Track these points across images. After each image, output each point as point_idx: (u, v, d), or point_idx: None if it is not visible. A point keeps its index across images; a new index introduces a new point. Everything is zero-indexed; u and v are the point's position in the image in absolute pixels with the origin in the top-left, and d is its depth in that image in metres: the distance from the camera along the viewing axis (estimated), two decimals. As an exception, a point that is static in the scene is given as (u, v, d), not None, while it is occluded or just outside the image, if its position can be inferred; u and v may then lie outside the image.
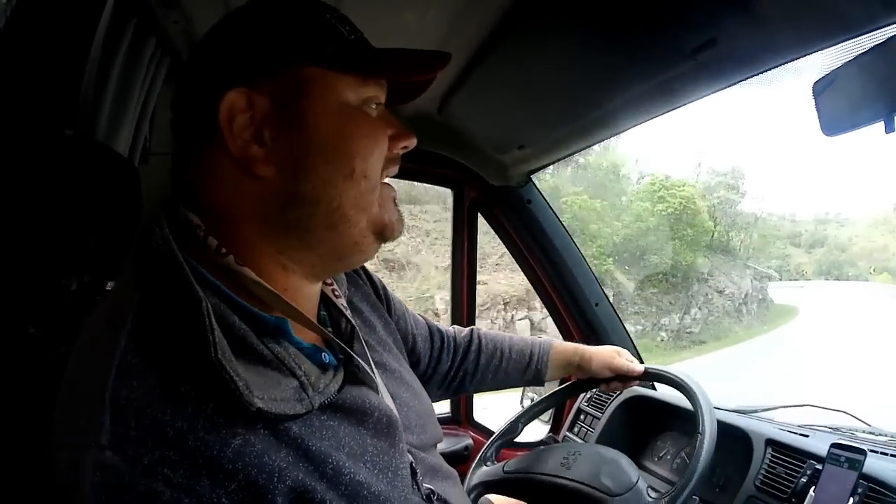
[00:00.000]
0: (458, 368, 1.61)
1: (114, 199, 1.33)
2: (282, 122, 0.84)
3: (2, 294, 1.10)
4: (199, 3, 1.55)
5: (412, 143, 0.99)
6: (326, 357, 0.92)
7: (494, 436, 1.79)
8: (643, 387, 2.31)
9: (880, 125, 1.00)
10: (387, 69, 0.94)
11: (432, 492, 1.05)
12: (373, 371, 1.00)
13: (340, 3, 1.45)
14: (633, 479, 1.48)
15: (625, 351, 1.76)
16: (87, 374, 0.74)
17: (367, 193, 0.90)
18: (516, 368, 1.68)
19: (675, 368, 1.67)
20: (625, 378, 1.71)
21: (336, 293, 1.08)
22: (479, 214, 2.74)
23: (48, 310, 1.22)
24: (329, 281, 1.08)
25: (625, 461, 1.56)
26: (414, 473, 1.00)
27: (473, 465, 1.73)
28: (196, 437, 0.69)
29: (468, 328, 1.69)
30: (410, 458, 1.01)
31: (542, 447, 1.65)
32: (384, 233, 0.94)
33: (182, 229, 0.83)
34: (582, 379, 1.76)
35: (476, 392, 1.80)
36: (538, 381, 1.73)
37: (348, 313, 1.07)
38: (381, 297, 1.33)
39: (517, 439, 1.85)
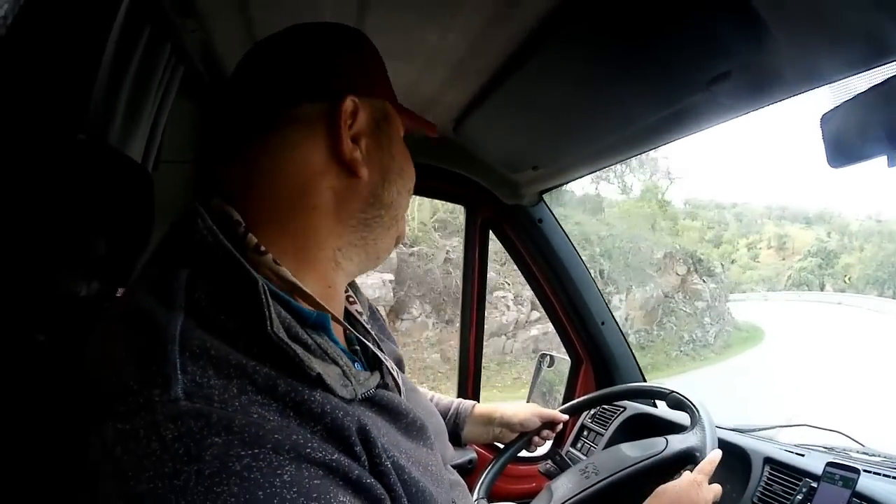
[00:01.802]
0: None
1: (126, 205, 1.34)
2: (375, 136, 0.96)
3: (9, 300, 1.07)
4: (215, 13, 1.56)
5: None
6: (357, 364, 0.97)
7: (500, 452, 1.83)
8: (645, 404, 2.34)
9: (884, 159, 1.04)
10: (413, 123, 1.09)
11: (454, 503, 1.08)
12: (397, 382, 1.03)
13: (363, 24, 1.49)
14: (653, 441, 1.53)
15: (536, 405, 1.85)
16: (135, 336, 0.73)
17: (407, 207, 1.06)
18: None
19: (669, 388, 1.72)
20: (552, 424, 1.79)
21: (359, 311, 1.14)
22: (490, 232, 2.77)
23: (56, 316, 1.20)
24: (353, 299, 1.15)
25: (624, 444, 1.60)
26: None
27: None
28: (285, 382, 0.72)
29: None
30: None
31: (544, 487, 1.65)
32: (399, 240, 1.07)
33: (219, 225, 0.84)
34: (514, 438, 1.80)
35: None
36: (456, 436, 1.73)
37: (369, 326, 1.12)
38: (388, 330, 1.39)
39: (521, 454, 1.88)
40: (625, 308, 24.00)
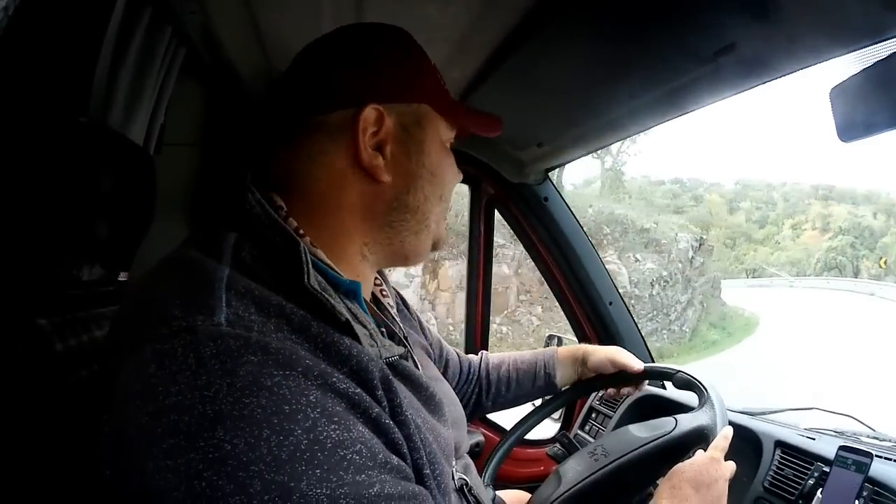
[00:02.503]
0: (474, 385, 1.74)
1: (128, 188, 1.33)
2: (402, 143, 0.99)
3: (10, 284, 1.09)
4: None
5: (461, 176, 1.17)
6: (384, 333, 1.06)
7: (507, 435, 1.80)
8: (654, 386, 2.31)
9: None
10: (469, 124, 1.13)
11: (466, 483, 1.14)
12: (417, 363, 1.13)
13: (363, 0, 1.48)
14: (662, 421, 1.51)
15: (624, 350, 1.78)
16: (182, 278, 0.79)
17: (442, 213, 1.10)
18: (527, 377, 1.77)
19: (677, 366, 1.69)
20: (626, 377, 1.73)
21: (384, 293, 1.25)
22: (495, 210, 2.76)
23: (58, 300, 1.22)
24: (378, 282, 1.23)
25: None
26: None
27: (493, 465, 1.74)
28: (318, 325, 0.78)
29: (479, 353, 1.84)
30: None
31: (552, 471, 1.62)
32: (437, 245, 1.11)
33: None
34: (588, 377, 1.78)
35: (493, 410, 1.83)
36: (550, 385, 1.76)
37: (393, 311, 1.23)
38: (419, 322, 1.48)
39: (528, 436, 1.87)
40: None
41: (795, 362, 19.10)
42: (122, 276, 1.55)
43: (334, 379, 0.73)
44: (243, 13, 1.62)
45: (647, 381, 1.77)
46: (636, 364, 1.71)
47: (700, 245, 26.70)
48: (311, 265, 0.84)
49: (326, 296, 0.82)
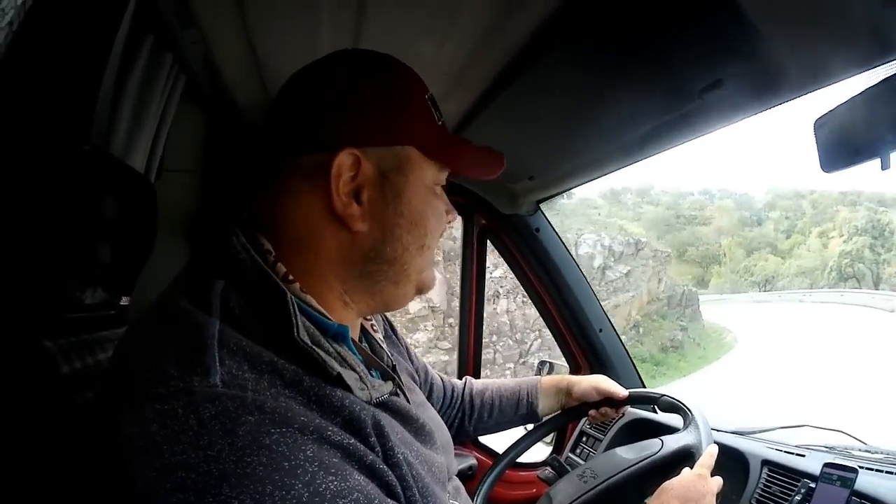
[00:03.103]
0: (457, 409, 1.74)
1: (130, 214, 1.35)
2: (380, 189, 0.95)
3: (17, 307, 1.10)
4: (216, 24, 1.57)
5: (456, 217, 1.15)
6: (374, 373, 1.04)
7: (499, 458, 1.82)
8: (644, 410, 2.35)
9: (876, 162, 1.05)
10: (464, 167, 1.06)
11: None
12: (407, 396, 1.09)
13: (359, 34, 1.51)
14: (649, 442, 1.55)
15: (608, 378, 1.82)
16: (175, 333, 0.79)
17: (426, 261, 1.04)
18: (509, 404, 1.77)
19: (661, 391, 1.74)
20: (611, 402, 1.76)
21: (374, 328, 1.23)
22: (488, 241, 2.80)
23: (63, 323, 1.24)
24: (368, 317, 1.20)
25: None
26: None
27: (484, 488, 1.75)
28: (310, 379, 0.81)
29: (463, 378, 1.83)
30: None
31: (544, 493, 1.65)
32: (423, 289, 1.06)
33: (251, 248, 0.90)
34: (572, 406, 1.80)
35: (476, 435, 1.84)
36: (532, 413, 1.78)
37: (384, 345, 1.21)
38: (406, 348, 1.47)
39: (520, 459, 1.89)
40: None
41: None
42: (124, 301, 1.56)
43: (329, 432, 0.76)
44: (243, 44, 1.65)
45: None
46: (620, 391, 1.75)
47: (637, 251, 25.80)
48: (298, 316, 0.84)
49: (317, 350, 0.83)
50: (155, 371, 0.74)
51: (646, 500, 1.35)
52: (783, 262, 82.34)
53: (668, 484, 1.31)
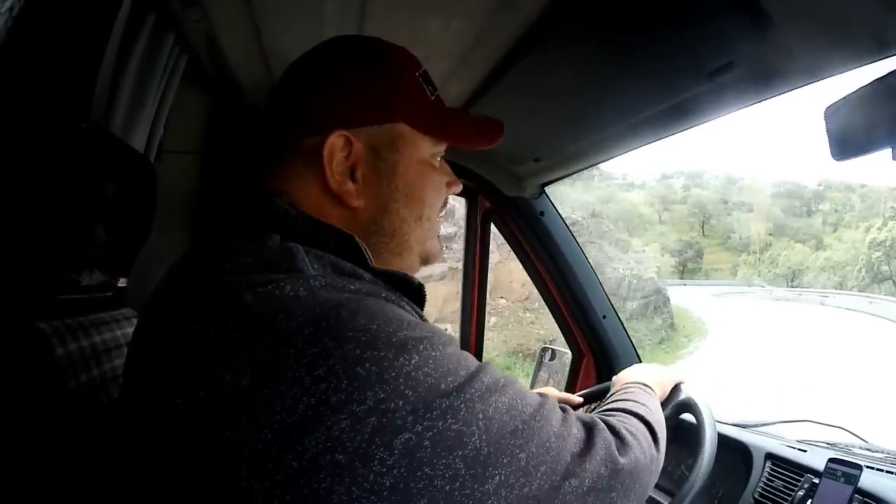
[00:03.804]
0: None
1: (128, 194, 1.34)
2: (373, 167, 0.97)
3: (11, 288, 1.10)
4: (219, 2, 1.56)
5: (459, 188, 1.13)
6: None
7: None
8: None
9: (888, 151, 1.03)
10: (459, 139, 1.08)
11: None
12: None
13: (365, 10, 1.49)
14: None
15: (554, 388, 1.92)
16: (253, 251, 0.80)
17: (427, 231, 1.06)
18: None
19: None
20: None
21: None
22: (491, 223, 2.78)
23: (58, 305, 1.23)
24: None
25: None
26: None
27: None
28: (387, 290, 0.84)
29: None
30: None
31: None
32: (428, 259, 1.09)
33: None
34: None
35: None
36: None
37: None
38: None
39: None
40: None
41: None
42: (122, 283, 1.55)
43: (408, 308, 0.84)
44: (247, 23, 1.64)
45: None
46: (574, 398, 1.78)
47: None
48: (368, 251, 0.90)
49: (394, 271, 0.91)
50: (241, 277, 0.74)
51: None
52: (812, 252, 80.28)
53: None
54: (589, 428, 0.91)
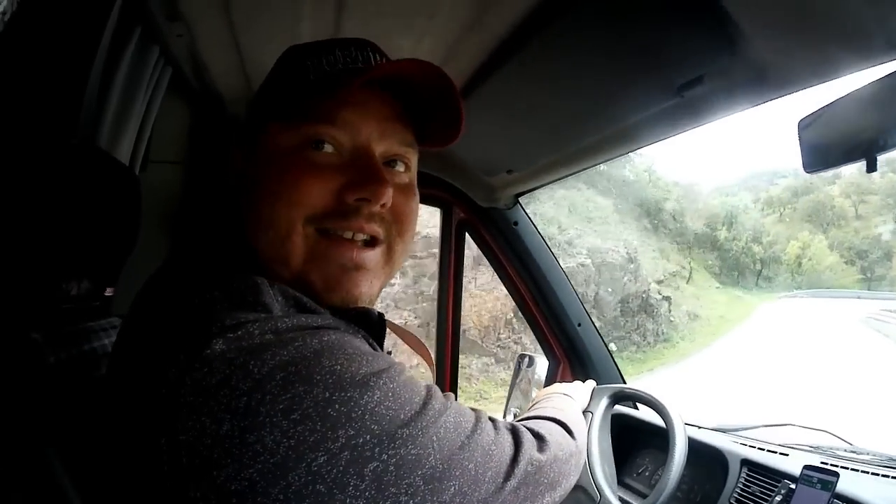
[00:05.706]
0: None
1: (114, 206, 1.35)
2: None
3: (4, 299, 1.11)
4: (202, 17, 1.60)
5: (372, 195, 0.93)
6: None
7: None
8: (625, 406, 2.33)
9: (861, 164, 1.05)
10: (311, 116, 0.94)
11: None
12: None
13: (339, 29, 1.52)
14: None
15: None
16: (228, 287, 0.81)
17: (277, 245, 0.93)
18: None
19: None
20: None
21: None
22: (466, 234, 2.79)
23: (50, 315, 1.24)
24: None
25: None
26: None
27: None
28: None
29: None
30: None
31: None
32: (323, 294, 0.93)
33: None
34: None
35: None
36: None
37: None
38: None
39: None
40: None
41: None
42: (108, 292, 1.56)
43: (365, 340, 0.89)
44: (228, 37, 1.67)
45: None
46: None
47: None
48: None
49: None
50: (210, 317, 0.76)
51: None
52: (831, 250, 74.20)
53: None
54: (515, 433, 1.00)
